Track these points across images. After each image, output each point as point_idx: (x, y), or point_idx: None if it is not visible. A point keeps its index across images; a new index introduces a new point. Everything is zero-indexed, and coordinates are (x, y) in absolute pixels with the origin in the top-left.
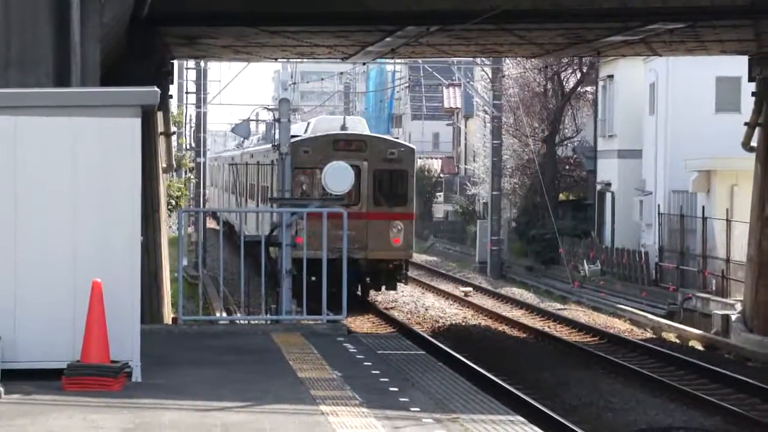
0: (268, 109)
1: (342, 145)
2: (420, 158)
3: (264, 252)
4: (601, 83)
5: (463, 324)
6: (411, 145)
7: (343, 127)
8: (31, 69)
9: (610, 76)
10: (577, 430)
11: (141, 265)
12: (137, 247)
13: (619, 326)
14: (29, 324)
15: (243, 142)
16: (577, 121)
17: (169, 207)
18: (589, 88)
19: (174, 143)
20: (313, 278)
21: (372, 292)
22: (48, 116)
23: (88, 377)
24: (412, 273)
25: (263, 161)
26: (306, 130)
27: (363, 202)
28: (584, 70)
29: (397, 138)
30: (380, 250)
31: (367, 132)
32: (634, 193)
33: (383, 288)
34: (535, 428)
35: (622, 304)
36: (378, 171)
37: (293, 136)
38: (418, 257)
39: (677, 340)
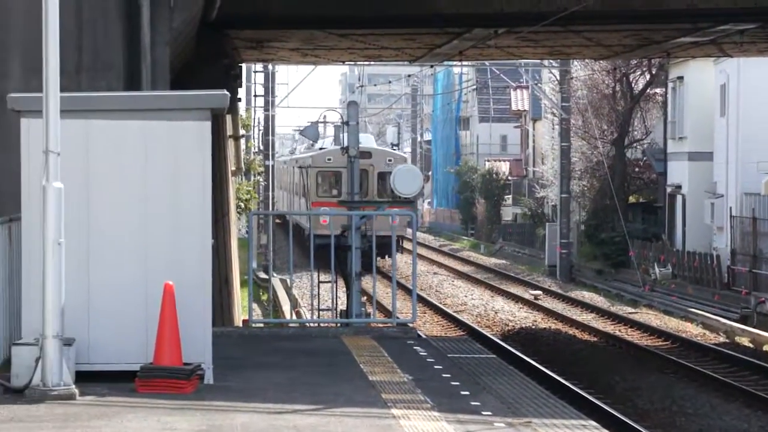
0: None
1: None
2: (488, 161)
3: (334, 254)
4: (670, 85)
5: (533, 327)
6: (403, 154)
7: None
8: (102, 73)
9: (680, 78)
10: None
11: (212, 268)
12: (208, 250)
13: (691, 330)
14: (102, 326)
15: (313, 144)
16: (647, 123)
17: (238, 210)
18: (658, 90)
19: (242, 146)
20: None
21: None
22: (119, 120)
23: (161, 379)
24: (480, 276)
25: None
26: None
27: (370, 194)
28: (653, 72)
29: (395, 149)
30: (382, 229)
31: (373, 146)
32: (705, 195)
33: (386, 257)
34: None
35: (694, 308)
36: (380, 173)
37: (320, 149)
38: (486, 260)
39: (751, 345)
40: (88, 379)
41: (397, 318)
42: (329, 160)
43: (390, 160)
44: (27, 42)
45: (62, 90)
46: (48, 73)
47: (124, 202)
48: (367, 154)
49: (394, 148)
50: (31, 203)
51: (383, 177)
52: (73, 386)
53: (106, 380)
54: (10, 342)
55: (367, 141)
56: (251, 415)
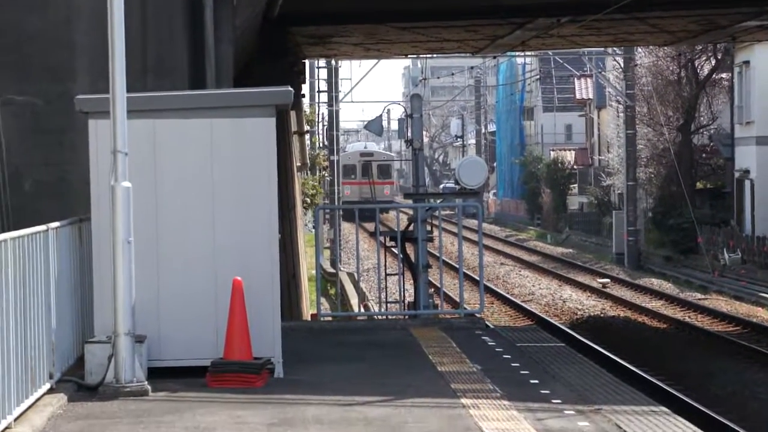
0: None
1: (362, 155)
2: (552, 150)
3: (400, 246)
4: (736, 69)
5: (602, 315)
6: (392, 154)
7: (365, 147)
8: (167, 73)
9: (746, 62)
10: (723, 420)
11: (279, 263)
12: (275, 245)
13: (762, 315)
14: (173, 323)
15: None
16: (713, 109)
17: (304, 205)
18: (724, 75)
19: (307, 142)
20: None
21: None
22: (185, 118)
23: (232, 374)
24: (548, 266)
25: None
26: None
27: (373, 177)
28: (719, 57)
29: (458, 140)
30: (380, 198)
31: (375, 149)
32: None
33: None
34: (680, 419)
35: (765, 293)
36: (379, 165)
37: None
38: (553, 249)
39: None
40: (160, 375)
41: (465, 308)
42: (348, 158)
43: (385, 158)
44: (93, 44)
45: (128, 90)
46: (114, 74)
47: (191, 199)
48: (370, 153)
49: (458, 139)
50: (100, 203)
51: (380, 167)
52: (146, 382)
53: (178, 376)
54: (83, 340)
55: (370, 147)
56: (322, 408)
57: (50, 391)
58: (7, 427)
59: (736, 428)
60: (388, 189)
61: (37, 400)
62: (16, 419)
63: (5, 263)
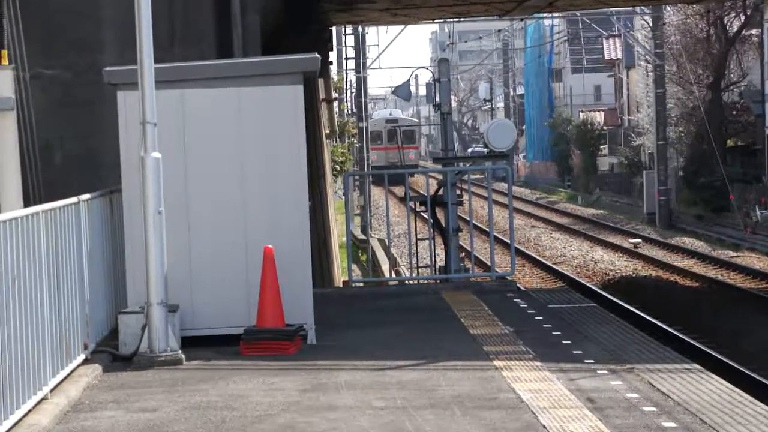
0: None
1: (387, 121)
2: (582, 112)
3: (430, 211)
4: (766, 25)
5: (634, 275)
6: (416, 120)
7: (390, 114)
8: (194, 43)
9: None
10: (755, 377)
11: (310, 230)
12: (306, 212)
13: None
14: (205, 292)
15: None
16: (743, 66)
17: (334, 173)
18: (754, 31)
19: (336, 109)
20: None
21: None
22: (213, 88)
23: (265, 341)
24: (578, 227)
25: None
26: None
27: (399, 142)
28: (748, 13)
29: (487, 104)
30: (407, 162)
31: (400, 116)
32: None
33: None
34: (713, 376)
35: None
36: (404, 131)
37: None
38: (584, 211)
39: None
40: (194, 344)
41: (496, 271)
42: (374, 125)
43: (410, 124)
44: (120, 15)
45: (156, 61)
46: (142, 46)
47: (221, 168)
48: (395, 120)
49: (487, 103)
50: (130, 174)
51: (405, 133)
52: (180, 352)
53: (211, 344)
54: (116, 311)
55: (395, 113)
56: (355, 373)
57: (85, 362)
58: (43, 398)
59: None
60: (413, 154)
61: (73, 371)
62: (52, 390)
63: (38, 236)
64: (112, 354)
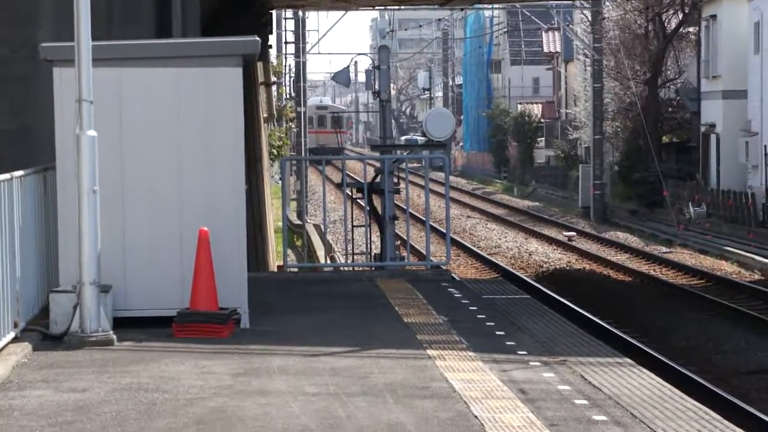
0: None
1: (318, 108)
2: (520, 104)
3: (367, 198)
4: (704, 23)
5: (568, 268)
6: (343, 107)
7: (321, 102)
8: (133, 22)
9: (713, 16)
10: (685, 372)
11: (246, 214)
12: (242, 196)
13: (726, 269)
14: (138, 273)
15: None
16: (680, 63)
17: (271, 157)
18: (691, 29)
19: (274, 93)
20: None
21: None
22: (151, 67)
23: (198, 324)
24: (514, 219)
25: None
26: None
27: (327, 127)
28: (686, 11)
29: (426, 93)
30: (332, 144)
31: (329, 103)
32: (740, 134)
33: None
34: (644, 370)
35: (730, 247)
36: (332, 115)
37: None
38: (519, 202)
39: None
40: (126, 326)
41: (431, 261)
42: (316, 109)
43: (336, 108)
44: None
45: (94, 39)
46: (79, 22)
47: (157, 149)
48: (325, 107)
49: (426, 92)
50: (65, 152)
51: (334, 118)
52: (111, 332)
53: (144, 326)
54: (48, 289)
55: (324, 101)
56: (288, 358)
57: (15, 340)
58: None
59: (699, 379)
60: (340, 136)
61: (2, 349)
62: None
63: None
64: (42, 333)
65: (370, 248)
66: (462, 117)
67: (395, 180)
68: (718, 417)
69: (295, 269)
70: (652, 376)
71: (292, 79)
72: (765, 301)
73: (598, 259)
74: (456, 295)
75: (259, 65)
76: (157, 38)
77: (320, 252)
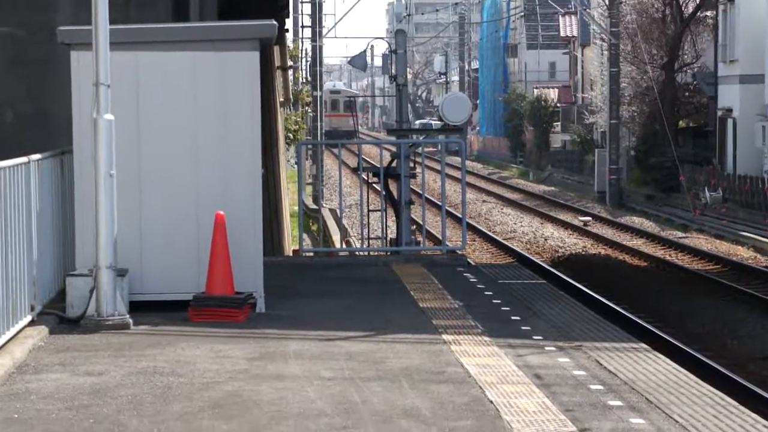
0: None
1: (331, 92)
2: (536, 88)
3: (383, 183)
4: (721, 7)
5: (583, 253)
6: (355, 91)
7: (335, 86)
8: (150, 6)
9: (731, 0)
10: (701, 357)
11: (262, 198)
12: (258, 180)
13: (742, 254)
14: (155, 257)
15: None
16: (697, 47)
17: (287, 141)
18: (708, 13)
19: (290, 77)
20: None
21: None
22: (168, 51)
23: (214, 308)
24: (530, 203)
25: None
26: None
27: (340, 111)
28: None
29: (442, 77)
30: (347, 126)
31: (342, 88)
32: (757, 118)
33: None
34: (659, 355)
35: (746, 232)
36: (344, 100)
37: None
38: (535, 187)
39: None
40: (142, 309)
41: (447, 245)
42: (330, 93)
43: (350, 93)
44: None
45: (111, 23)
46: (97, 5)
47: (174, 132)
48: (338, 91)
49: (442, 76)
50: (82, 135)
51: (346, 103)
52: (127, 316)
53: (160, 310)
54: (65, 273)
55: (338, 85)
56: (303, 342)
57: (31, 323)
58: None
59: (714, 365)
60: (351, 119)
61: (19, 332)
62: None
63: None
64: (59, 316)
65: (386, 233)
66: (478, 101)
67: (411, 164)
68: (733, 402)
69: (311, 254)
70: (668, 361)
71: (308, 63)
72: None
73: (613, 244)
74: (471, 280)
75: (276, 49)
76: (175, 21)
77: (336, 236)
